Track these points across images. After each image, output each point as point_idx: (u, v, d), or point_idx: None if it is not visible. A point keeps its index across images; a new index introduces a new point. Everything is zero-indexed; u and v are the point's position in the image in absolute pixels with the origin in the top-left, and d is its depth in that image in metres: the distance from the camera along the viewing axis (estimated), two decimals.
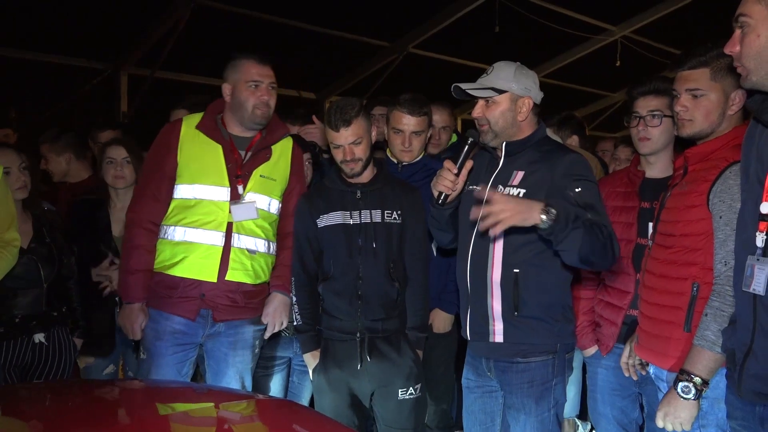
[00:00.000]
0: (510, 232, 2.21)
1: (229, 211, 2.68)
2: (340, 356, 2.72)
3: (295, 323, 2.83)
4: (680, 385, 1.96)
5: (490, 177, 2.40)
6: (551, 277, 2.33)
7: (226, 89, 2.75)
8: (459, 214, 2.48)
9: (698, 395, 1.95)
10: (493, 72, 2.36)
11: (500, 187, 2.34)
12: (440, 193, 2.38)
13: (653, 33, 7.46)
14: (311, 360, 2.79)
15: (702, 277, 2.03)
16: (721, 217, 1.95)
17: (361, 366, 2.70)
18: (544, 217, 2.01)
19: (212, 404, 2.04)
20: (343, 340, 2.72)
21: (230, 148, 2.74)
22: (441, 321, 3.07)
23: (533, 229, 2.10)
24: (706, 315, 1.95)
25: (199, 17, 5.58)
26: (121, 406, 2.08)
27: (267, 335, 2.83)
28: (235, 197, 2.69)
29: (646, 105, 2.49)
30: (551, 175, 2.25)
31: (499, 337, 2.35)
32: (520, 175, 2.33)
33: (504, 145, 2.39)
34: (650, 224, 2.41)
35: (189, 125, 2.76)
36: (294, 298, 2.80)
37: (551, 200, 2.08)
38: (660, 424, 2.03)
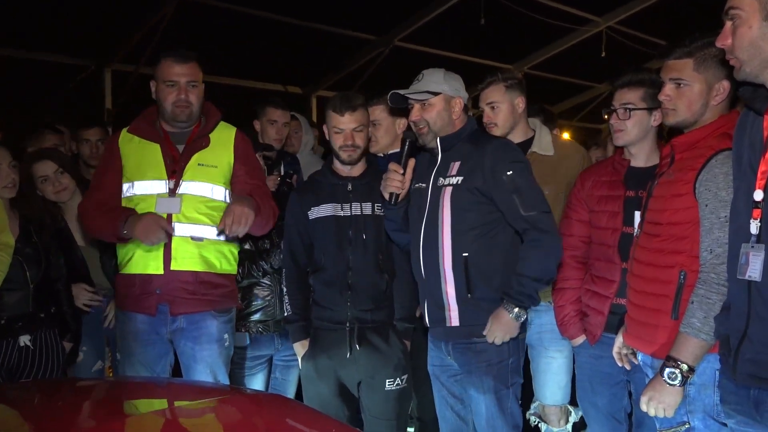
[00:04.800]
0: (455, 219, 2.47)
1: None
2: (329, 345, 2.77)
3: (285, 314, 2.89)
4: (666, 371, 1.98)
5: (431, 173, 2.58)
6: (499, 259, 2.49)
7: (152, 86, 2.80)
8: (409, 212, 2.63)
9: (684, 382, 1.97)
10: (424, 78, 2.55)
11: (441, 179, 2.54)
12: (391, 194, 2.57)
13: (638, 24, 7.47)
14: (300, 349, 2.85)
15: (689, 265, 2.05)
16: (706, 206, 1.97)
17: (350, 355, 2.74)
18: (518, 318, 2.42)
19: (204, 400, 2.03)
20: (332, 330, 2.77)
21: (167, 144, 2.76)
22: None
23: (477, 215, 2.47)
24: (692, 303, 1.97)
25: (184, 12, 5.54)
26: (104, 402, 2.06)
27: (228, 233, 2.64)
28: (173, 190, 2.72)
29: (620, 98, 2.54)
30: (483, 160, 2.46)
31: (455, 321, 2.51)
32: (457, 165, 2.53)
33: (438, 141, 2.56)
34: (636, 213, 2.44)
35: (125, 132, 2.83)
36: (285, 289, 2.87)
37: (508, 300, 2.41)
38: (644, 408, 2.05)
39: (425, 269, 2.55)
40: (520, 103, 3.02)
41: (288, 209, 2.90)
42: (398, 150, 3.22)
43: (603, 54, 7.53)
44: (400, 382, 2.80)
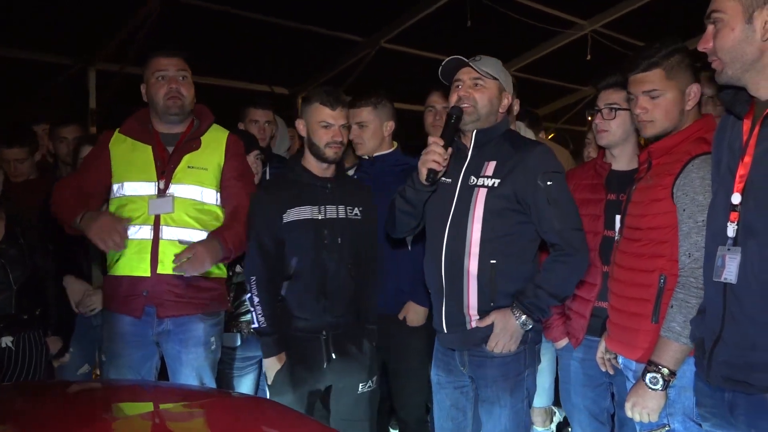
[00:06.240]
0: (486, 224, 2.32)
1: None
2: (305, 357, 2.66)
3: (257, 326, 2.65)
4: (648, 376, 2.00)
5: (460, 169, 2.42)
6: (524, 267, 2.38)
7: (143, 89, 2.79)
8: (428, 208, 2.48)
9: (666, 386, 1.99)
10: (483, 60, 2.40)
11: (473, 177, 2.38)
12: (429, 171, 2.31)
13: (623, 27, 7.52)
14: (276, 363, 2.64)
15: (669, 269, 2.07)
16: (684, 210, 1.99)
17: (327, 365, 2.67)
18: (524, 326, 2.31)
19: (187, 403, 2.02)
20: (307, 340, 2.67)
21: (158, 146, 2.74)
22: (415, 314, 3.08)
23: (510, 222, 2.32)
24: (672, 307, 1.99)
25: (169, 12, 5.49)
26: (86, 406, 2.04)
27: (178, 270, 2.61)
28: (162, 191, 2.70)
29: (605, 98, 2.57)
30: (524, 165, 2.32)
31: (475, 324, 2.38)
32: (492, 165, 2.37)
33: (474, 134, 2.41)
34: (617, 216, 2.45)
35: (117, 133, 2.82)
36: (256, 299, 2.65)
37: (518, 307, 2.32)
38: (629, 414, 2.07)
39: (447, 272, 2.38)
40: (516, 105, 3.02)
41: (256, 211, 2.69)
42: (386, 152, 3.22)
43: (588, 57, 7.56)
44: (371, 384, 2.78)
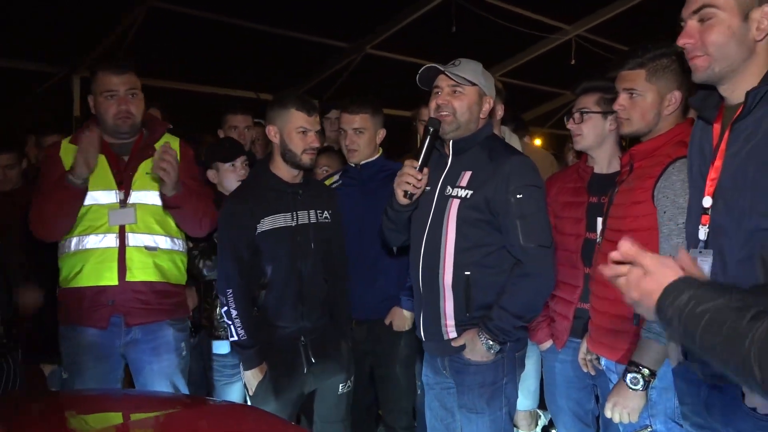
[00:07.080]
0: (460, 236, 2.30)
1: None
2: (284, 364, 2.65)
3: (237, 339, 2.60)
4: (629, 376, 2.01)
5: (439, 177, 2.41)
6: (501, 278, 2.34)
7: (90, 101, 2.74)
8: (411, 217, 2.47)
9: (646, 386, 2.00)
10: (462, 64, 2.34)
11: (449, 187, 2.37)
12: (406, 193, 2.32)
13: (607, 32, 7.59)
14: (258, 374, 2.60)
15: None
16: (665, 212, 2.01)
17: (307, 370, 2.67)
18: (490, 349, 2.29)
19: (165, 411, 2.01)
20: (287, 348, 2.65)
21: (110, 155, 2.70)
22: (401, 319, 3.08)
23: (484, 232, 2.30)
24: None
25: (154, 19, 5.49)
26: (55, 419, 2.01)
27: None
28: (123, 200, 2.67)
29: (578, 104, 2.60)
30: (497, 177, 2.28)
31: (452, 333, 2.38)
32: (468, 175, 2.35)
33: (451, 143, 2.38)
34: (599, 219, 2.46)
35: (65, 143, 2.76)
36: (234, 312, 2.58)
37: (483, 330, 2.28)
38: (608, 414, 2.08)
39: (423, 282, 2.39)
40: (500, 110, 3.02)
41: (231, 221, 2.62)
42: (373, 159, 3.20)
43: (572, 61, 7.63)
44: (350, 383, 2.80)
